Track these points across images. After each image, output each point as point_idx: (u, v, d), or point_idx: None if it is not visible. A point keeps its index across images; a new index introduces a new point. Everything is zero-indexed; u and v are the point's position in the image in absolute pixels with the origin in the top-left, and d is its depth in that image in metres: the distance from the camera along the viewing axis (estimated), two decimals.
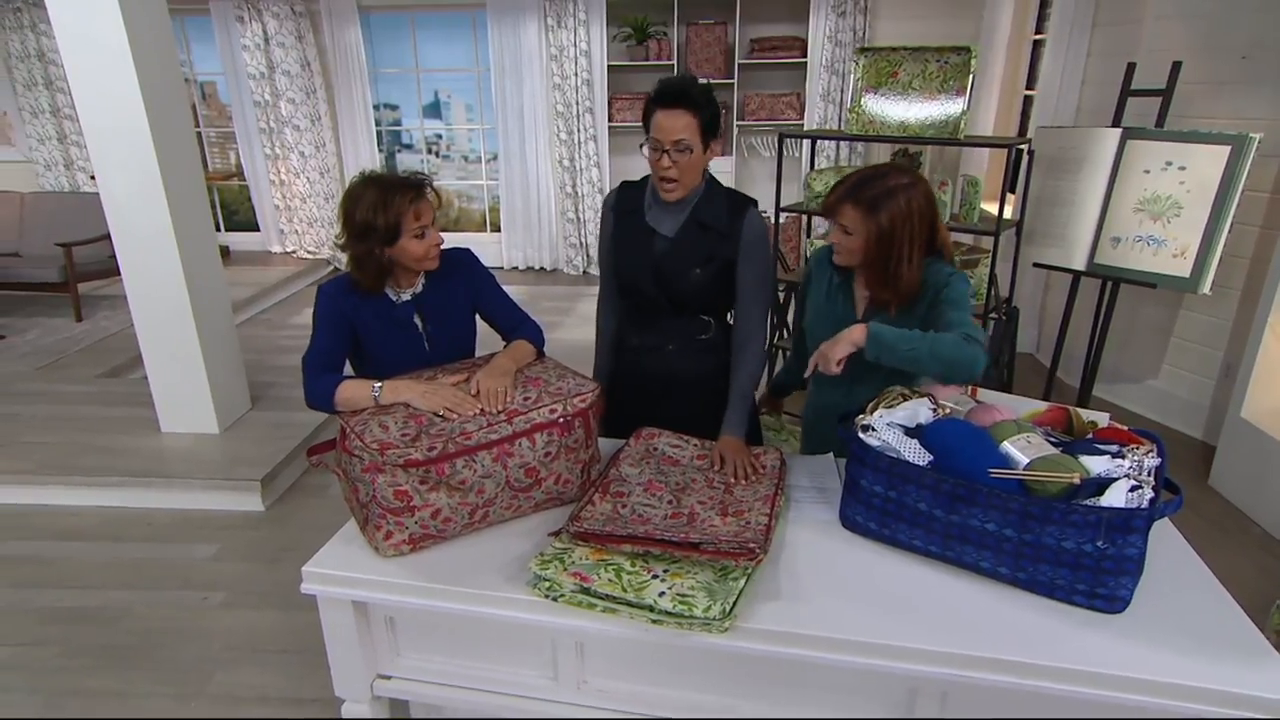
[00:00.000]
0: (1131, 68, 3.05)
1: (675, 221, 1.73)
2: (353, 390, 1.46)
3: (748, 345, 1.78)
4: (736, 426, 1.70)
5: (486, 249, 6.65)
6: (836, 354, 1.46)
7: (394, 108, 6.87)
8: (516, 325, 1.73)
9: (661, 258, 1.74)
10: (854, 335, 1.46)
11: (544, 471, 1.42)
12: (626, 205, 1.80)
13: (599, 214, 1.86)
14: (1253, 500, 2.85)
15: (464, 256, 1.76)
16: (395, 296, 1.67)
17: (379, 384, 1.44)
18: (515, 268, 6.66)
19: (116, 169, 3.01)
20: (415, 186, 1.58)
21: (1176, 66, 2.89)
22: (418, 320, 1.69)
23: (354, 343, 1.65)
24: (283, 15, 6.02)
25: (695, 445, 1.68)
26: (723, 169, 5.98)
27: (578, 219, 6.34)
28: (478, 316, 1.81)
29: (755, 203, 1.76)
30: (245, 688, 2.15)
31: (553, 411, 1.41)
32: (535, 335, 1.70)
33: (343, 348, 1.63)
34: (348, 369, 1.64)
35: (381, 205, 1.53)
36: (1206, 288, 2.79)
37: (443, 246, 1.66)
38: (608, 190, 2.32)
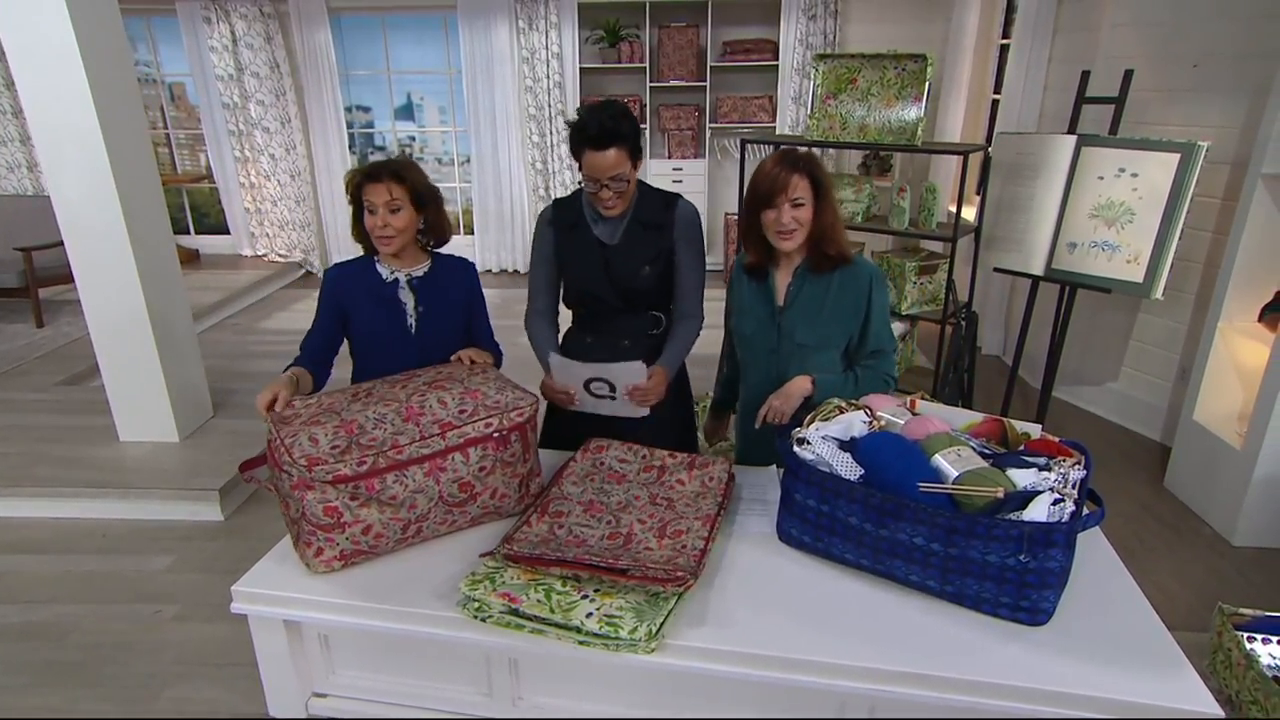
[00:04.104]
0: (1086, 75, 3.08)
1: (617, 227, 1.87)
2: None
3: (685, 319, 1.93)
4: (666, 364, 1.86)
5: (460, 252, 6.55)
6: (790, 408, 1.67)
7: (366, 109, 6.80)
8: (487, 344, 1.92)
9: (611, 262, 1.86)
10: (803, 387, 1.69)
11: (479, 486, 1.41)
12: (566, 220, 1.89)
13: None
14: (1204, 501, 2.89)
15: (469, 266, 1.96)
16: (386, 274, 1.82)
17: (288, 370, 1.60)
18: (489, 270, 6.62)
19: (67, 170, 2.96)
20: (371, 170, 1.75)
21: (1129, 75, 2.93)
22: (408, 298, 1.82)
23: (344, 321, 1.82)
24: (251, 17, 5.95)
25: (644, 458, 1.68)
26: (695, 172, 5.99)
27: None
28: None
29: (681, 196, 1.90)
30: (194, 703, 2.11)
31: (488, 425, 1.40)
32: (499, 357, 1.86)
33: (333, 324, 1.82)
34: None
35: (351, 178, 1.77)
36: (1159, 293, 2.83)
37: (441, 251, 1.90)
38: None
